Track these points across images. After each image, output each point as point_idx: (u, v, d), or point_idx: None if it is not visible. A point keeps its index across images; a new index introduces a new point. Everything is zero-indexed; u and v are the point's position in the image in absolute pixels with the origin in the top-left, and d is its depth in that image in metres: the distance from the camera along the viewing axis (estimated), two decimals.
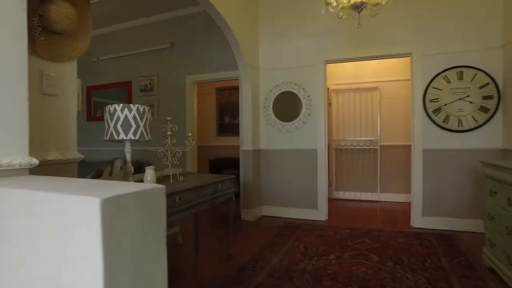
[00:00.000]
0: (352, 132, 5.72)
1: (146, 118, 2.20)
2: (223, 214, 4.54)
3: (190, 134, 2.77)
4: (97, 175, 4.80)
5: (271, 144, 4.63)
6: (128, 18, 5.55)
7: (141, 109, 2.15)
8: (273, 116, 4.61)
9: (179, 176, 2.66)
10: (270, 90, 4.62)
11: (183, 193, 2.27)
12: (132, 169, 2.30)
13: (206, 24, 4.92)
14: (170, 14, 5.29)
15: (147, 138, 2.21)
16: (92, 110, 6.16)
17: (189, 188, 2.34)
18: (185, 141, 2.75)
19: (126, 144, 2.25)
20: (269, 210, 4.63)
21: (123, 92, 5.75)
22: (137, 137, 2.13)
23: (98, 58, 5.96)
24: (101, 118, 6.07)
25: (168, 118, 2.65)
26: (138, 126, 2.14)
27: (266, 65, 4.66)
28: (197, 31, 5.12)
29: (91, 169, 5.02)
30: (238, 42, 4.02)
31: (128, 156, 2.28)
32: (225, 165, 6.20)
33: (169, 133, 2.63)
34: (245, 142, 4.45)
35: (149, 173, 2.36)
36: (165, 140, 2.60)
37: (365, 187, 5.61)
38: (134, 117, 2.12)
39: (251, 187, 4.42)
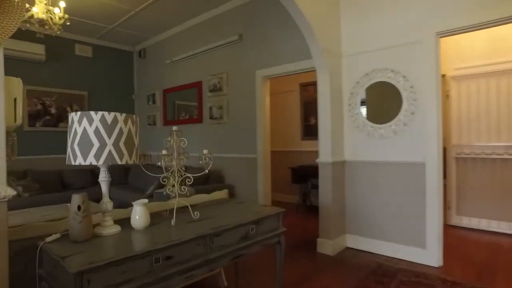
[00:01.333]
0: (484, 135, 4.05)
1: (121, 131, 1.46)
2: (295, 241, 3.61)
3: (205, 152, 1.93)
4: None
5: (359, 154, 3.47)
6: (196, 12, 5.07)
7: (109, 119, 1.42)
8: (361, 117, 3.45)
9: (194, 213, 1.85)
10: (357, 82, 3.46)
11: (176, 249, 1.45)
12: (110, 206, 1.60)
13: (277, 7, 4.03)
14: (236, 2, 4.59)
15: (120, 162, 1.47)
16: (175, 114, 5.90)
17: (187, 241, 1.51)
18: (200, 161, 1.93)
19: (101, 170, 1.56)
20: (355, 241, 3.49)
21: (195, 93, 5.32)
22: (101, 161, 1.41)
23: (171, 60, 5.69)
24: (180, 122, 5.86)
25: (174, 128, 1.88)
26: (103, 145, 1.41)
27: (350, 49, 3.52)
28: (267, 17, 4.28)
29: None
30: (305, 17, 3.02)
31: (105, 188, 1.59)
32: (309, 174, 5.21)
33: (171, 156, 1.84)
34: (323, 151, 3.41)
35: (138, 211, 1.63)
36: (169, 160, 1.83)
37: (505, 214, 3.89)
38: (96, 132, 1.40)
39: (331, 210, 3.37)
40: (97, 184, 5.48)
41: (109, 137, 1.46)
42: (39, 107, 5.55)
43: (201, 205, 2.23)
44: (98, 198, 4.98)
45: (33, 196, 4.72)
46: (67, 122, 5.67)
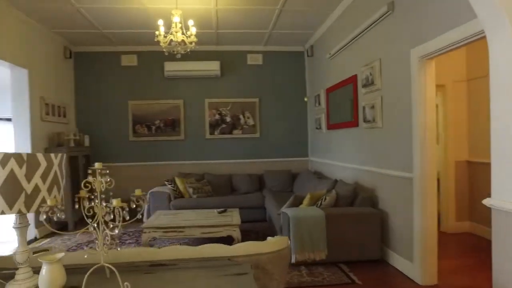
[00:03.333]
0: None
1: (44, 173, 1.06)
2: None
3: (137, 193, 1.21)
4: (295, 203, 3.79)
5: None
6: None
7: (25, 158, 1.05)
8: None
9: (124, 284, 1.20)
10: None
11: None
12: (20, 258, 1.22)
13: None
14: None
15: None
16: (337, 116, 5.09)
17: None
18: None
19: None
20: None
21: (350, 91, 4.30)
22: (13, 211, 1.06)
23: (330, 54, 4.87)
24: (339, 126, 4.96)
25: (96, 165, 1.27)
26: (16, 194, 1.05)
27: None
28: None
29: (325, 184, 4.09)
30: None
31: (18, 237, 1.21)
32: None
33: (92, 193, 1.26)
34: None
35: (45, 272, 1.16)
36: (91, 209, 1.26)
37: None
38: (11, 178, 1.06)
39: None
40: (262, 189, 5.51)
41: (29, 181, 1.13)
42: (217, 116, 6.17)
43: (191, 262, 1.51)
44: (260, 205, 4.77)
45: (201, 197, 5.24)
46: (240, 129, 6.01)
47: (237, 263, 1.52)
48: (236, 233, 3.78)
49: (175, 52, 3.96)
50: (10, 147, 4.79)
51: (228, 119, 6.19)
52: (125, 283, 1.21)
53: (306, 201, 3.76)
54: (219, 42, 5.93)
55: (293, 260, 3.26)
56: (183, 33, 3.82)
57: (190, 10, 4.43)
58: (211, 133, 6.16)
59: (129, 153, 6.00)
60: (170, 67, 5.88)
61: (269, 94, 6.28)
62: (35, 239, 4.54)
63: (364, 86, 3.85)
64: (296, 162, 6.27)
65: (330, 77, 5.07)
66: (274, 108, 6.29)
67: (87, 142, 5.72)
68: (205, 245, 1.66)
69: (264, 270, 1.68)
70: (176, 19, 3.80)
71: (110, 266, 1.27)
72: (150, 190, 5.13)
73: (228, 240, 3.47)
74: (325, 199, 3.60)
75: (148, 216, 4.89)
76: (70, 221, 4.94)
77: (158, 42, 3.86)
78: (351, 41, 4.13)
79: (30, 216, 4.58)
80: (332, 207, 3.61)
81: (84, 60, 5.96)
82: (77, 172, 5.25)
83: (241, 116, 6.22)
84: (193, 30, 3.96)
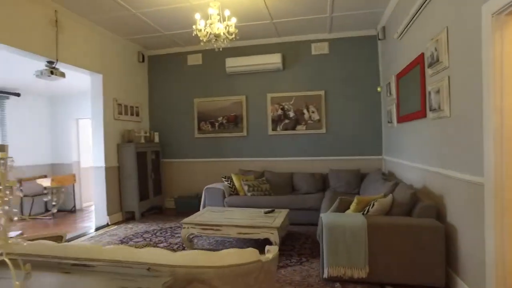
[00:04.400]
0: None
1: None
2: None
3: None
4: (341, 207, 3.26)
5: None
6: None
7: None
8: None
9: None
10: None
11: None
12: None
13: None
14: None
15: None
16: (408, 105, 4.29)
17: None
18: None
19: None
20: None
21: (417, 73, 3.50)
22: None
23: (398, 33, 4.09)
24: (407, 118, 4.11)
25: None
26: None
27: None
28: None
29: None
30: None
31: None
32: None
33: None
34: None
35: None
36: None
37: None
38: None
39: None
40: (325, 190, 5.03)
41: None
42: (279, 112, 5.88)
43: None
44: (320, 207, 4.29)
45: (257, 195, 5.04)
46: (304, 124, 5.63)
47: (156, 275, 1.26)
48: (274, 236, 3.46)
49: (215, 46, 3.85)
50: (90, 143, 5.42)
51: (291, 114, 5.84)
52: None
53: (353, 206, 3.20)
54: (280, 33, 5.63)
55: (325, 275, 2.79)
56: (224, 25, 3.70)
57: (236, 3, 4.27)
58: (274, 129, 5.91)
59: (194, 149, 6.20)
60: (231, 63, 5.85)
61: (336, 85, 5.69)
62: (107, 225, 5.04)
63: (430, 65, 3.07)
64: (367, 161, 5.53)
65: (399, 60, 4.27)
66: (341, 101, 5.67)
67: (156, 139, 6.13)
68: (144, 249, 1.44)
69: (211, 287, 1.38)
70: (212, 11, 3.68)
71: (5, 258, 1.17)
72: (206, 186, 5.18)
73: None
74: (373, 205, 2.99)
75: (204, 207, 4.95)
76: (137, 211, 5.34)
77: (198, 36, 3.81)
78: (416, 12, 3.36)
79: (103, 204, 5.11)
80: (385, 215, 2.98)
81: (155, 63, 6.41)
82: (145, 166, 5.65)
83: (305, 111, 5.80)
84: (232, 21, 3.79)
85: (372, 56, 5.57)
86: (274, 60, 5.69)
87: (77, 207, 6.52)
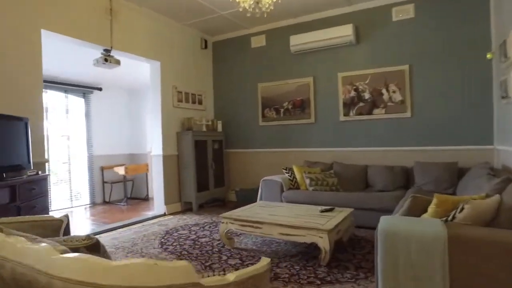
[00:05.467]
0: None
1: None
2: None
3: None
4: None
5: None
6: None
7: None
8: None
9: None
10: None
11: None
12: None
13: None
14: None
15: None
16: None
17: None
18: None
19: None
20: None
21: None
22: None
23: None
24: None
25: None
26: None
27: None
28: None
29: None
30: None
31: None
32: None
33: None
34: None
35: None
36: None
37: None
38: None
39: None
40: (408, 187, 4.03)
41: None
42: (353, 93, 4.97)
43: None
44: (394, 207, 3.55)
45: (320, 190, 4.31)
46: (383, 107, 4.70)
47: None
48: (323, 242, 2.74)
49: (256, 11, 3.28)
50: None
51: (366, 95, 4.88)
52: None
53: (431, 208, 2.26)
54: (351, 0, 4.73)
55: None
56: None
57: None
58: (346, 114, 5.03)
59: (258, 138, 5.74)
60: (296, 41, 5.17)
61: (424, 57, 4.50)
62: (163, 215, 4.96)
63: None
64: (468, 152, 4.23)
65: None
66: (432, 76, 4.46)
67: (219, 127, 5.86)
68: (69, 255, 0.97)
69: None
70: None
71: None
72: (263, 178, 4.65)
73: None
74: (462, 208, 2.02)
75: (261, 200, 4.46)
76: (194, 203, 5.13)
77: (237, 3, 3.30)
78: None
79: (161, 193, 5.05)
80: (483, 225, 1.99)
81: (219, 49, 6.14)
82: (204, 156, 5.42)
83: (383, 91, 4.76)
84: None
85: (478, 13, 4.21)
86: (344, 32, 4.80)
87: (150, 195, 6.74)
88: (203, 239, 3.61)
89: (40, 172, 3.17)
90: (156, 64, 5.06)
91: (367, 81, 4.85)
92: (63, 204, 5.95)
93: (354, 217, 3.49)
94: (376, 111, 4.81)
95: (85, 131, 6.39)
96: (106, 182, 6.52)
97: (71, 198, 6.09)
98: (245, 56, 5.87)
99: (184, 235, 3.77)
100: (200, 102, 5.84)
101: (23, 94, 3.37)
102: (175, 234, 3.85)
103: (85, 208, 6.01)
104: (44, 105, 5.65)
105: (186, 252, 3.20)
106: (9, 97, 3.24)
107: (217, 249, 3.27)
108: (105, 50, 4.28)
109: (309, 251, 3.13)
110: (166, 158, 5.09)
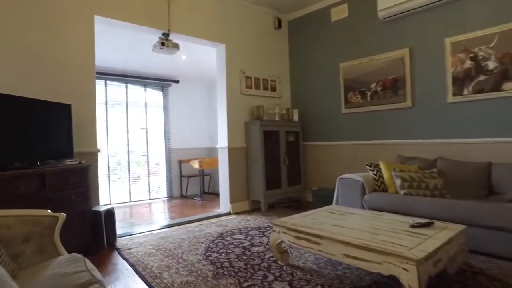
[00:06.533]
0: None
1: None
2: None
3: None
4: None
5: None
6: None
7: None
8: None
9: None
10: None
11: None
12: None
13: None
14: None
15: None
16: None
17: None
18: None
19: None
20: None
21: None
22: None
23: None
24: None
25: None
26: None
27: None
28: None
29: None
30: None
31: None
32: None
33: None
34: None
35: None
36: None
37: None
38: None
39: None
40: None
41: None
42: (468, 64, 3.62)
43: None
44: None
45: (412, 195, 3.20)
46: None
47: None
48: (408, 277, 1.79)
49: None
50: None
51: (491, 64, 3.48)
52: None
53: None
54: None
55: None
56: None
57: None
58: (457, 93, 3.71)
59: (341, 129, 4.79)
60: (386, 2, 4.06)
61: None
62: (228, 214, 4.49)
63: None
64: None
65: None
66: None
67: (296, 117, 5.11)
68: None
69: None
70: None
71: None
72: (340, 176, 3.74)
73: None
74: None
75: (336, 203, 3.59)
76: (263, 202, 4.52)
77: None
78: None
79: (226, 190, 4.59)
80: None
81: (295, 28, 5.38)
82: (276, 149, 4.75)
83: None
84: None
85: None
86: None
87: None
88: (256, 248, 2.96)
89: (84, 162, 3.00)
90: (221, 47, 4.62)
91: (492, 44, 3.46)
92: (141, 196, 6.08)
93: (467, 238, 2.36)
94: (507, 85, 3.39)
95: (163, 124, 6.42)
96: (183, 176, 6.46)
97: (149, 191, 6.19)
98: (324, 33, 4.98)
99: (236, 241, 3.19)
100: (273, 89, 5.20)
101: (75, 82, 3.26)
102: (228, 238, 3.30)
103: (163, 201, 6.02)
104: (125, 99, 5.97)
105: (228, 264, 2.60)
106: (61, 84, 3.16)
107: (266, 264, 2.58)
108: (163, 34, 4.01)
109: (390, 283, 2.18)
110: (232, 151, 4.61)
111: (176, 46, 4.01)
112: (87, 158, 3.23)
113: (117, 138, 5.90)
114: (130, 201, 5.90)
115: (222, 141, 4.68)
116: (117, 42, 4.66)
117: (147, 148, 6.23)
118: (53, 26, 3.14)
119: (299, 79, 5.36)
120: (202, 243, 3.17)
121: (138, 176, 6.13)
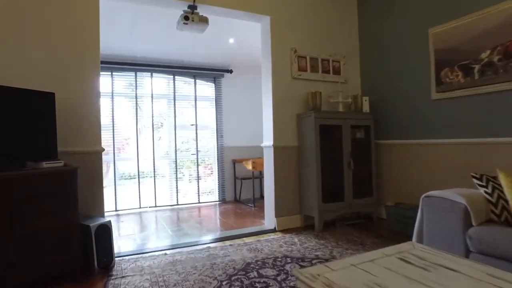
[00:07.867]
0: None
1: None
2: None
3: None
4: None
5: None
6: None
7: None
8: None
9: None
10: None
11: None
12: None
13: None
14: None
15: None
16: None
17: None
18: None
19: None
20: None
21: None
22: None
23: None
24: None
25: None
26: None
27: None
28: None
29: None
30: None
31: None
32: None
33: None
34: None
35: None
36: None
37: None
38: None
39: None
40: None
41: None
42: None
43: None
44: None
45: None
46: None
47: None
48: None
49: None
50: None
51: None
52: None
53: None
54: None
55: None
56: None
57: None
58: None
59: (431, 121, 3.42)
60: None
61: None
62: (273, 231, 3.54)
63: None
64: None
65: None
66: None
67: (366, 107, 3.89)
68: None
69: None
70: None
71: None
72: (426, 193, 2.46)
73: None
74: None
75: (419, 238, 2.38)
76: (317, 218, 3.45)
77: None
78: None
79: (270, 201, 3.66)
80: None
81: None
82: (338, 149, 3.63)
83: None
84: None
85: None
86: None
87: None
88: None
89: (73, 164, 2.40)
90: (265, 21, 3.69)
91: None
92: (190, 199, 5.52)
93: None
94: None
95: (214, 119, 5.77)
96: (237, 178, 5.72)
97: (198, 193, 5.59)
98: None
99: (262, 282, 2.24)
100: (336, 71, 4.05)
101: (76, 75, 2.73)
102: (253, 275, 2.36)
103: (213, 206, 5.37)
104: (171, 92, 5.45)
105: None
106: (59, 76, 2.65)
107: None
108: (189, 6, 3.26)
109: None
110: (278, 151, 3.66)
111: (204, 20, 3.22)
112: (87, 158, 2.68)
113: (166, 135, 5.46)
114: (177, 204, 5.38)
115: (267, 138, 3.76)
116: (154, 27, 4.12)
117: (197, 145, 5.64)
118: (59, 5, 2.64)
119: (371, 57, 4.10)
120: (215, 278, 2.30)
121: (190, 176, 5.60)
